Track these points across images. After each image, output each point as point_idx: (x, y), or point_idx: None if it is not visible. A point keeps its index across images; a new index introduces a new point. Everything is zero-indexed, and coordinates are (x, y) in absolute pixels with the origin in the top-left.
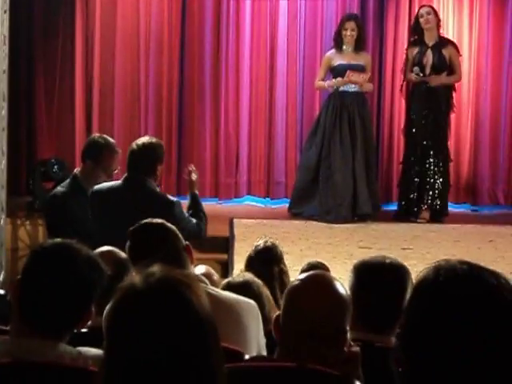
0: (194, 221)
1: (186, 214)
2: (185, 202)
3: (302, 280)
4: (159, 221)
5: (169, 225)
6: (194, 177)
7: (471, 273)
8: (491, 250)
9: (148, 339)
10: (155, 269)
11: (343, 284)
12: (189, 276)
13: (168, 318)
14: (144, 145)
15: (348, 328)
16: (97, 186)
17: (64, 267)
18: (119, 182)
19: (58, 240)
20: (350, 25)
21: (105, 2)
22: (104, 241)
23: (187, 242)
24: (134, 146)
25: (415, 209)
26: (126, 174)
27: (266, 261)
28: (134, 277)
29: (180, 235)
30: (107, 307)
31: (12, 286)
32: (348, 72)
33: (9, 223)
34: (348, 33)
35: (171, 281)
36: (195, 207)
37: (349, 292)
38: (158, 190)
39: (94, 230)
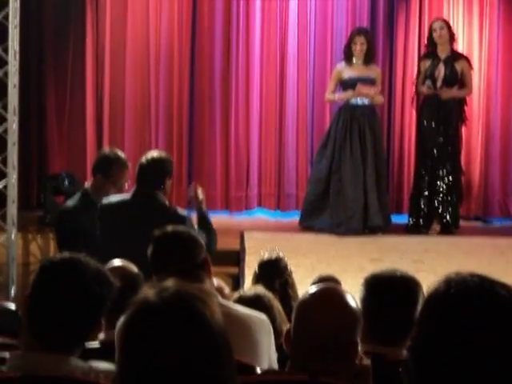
0: (204, 236)
1: (197, 230)
2: (194, 215)
3: (312, 293)
4: (186, 231)
5: (195, 235)
6: (200, 196)
7: (482, 285)
8: (502, 263)
9: (161, 354)
10: (169, 283)
11: (354, 297)
12: (203, 290)
13: (181, 332)
14: (153, 159)
15: (359, 341)
16: (106, 200)
17: (73, 281)
18: (128, 195)
19: (67, 254)
20: (360, 39)
21: (114, 16)
22: (114, 254)
23: (205, 254)
24: (143, 159)
25: (426, 221)
26: (134, 188)
27: (270, 273)
28: (148, 291)
29: (204, 247)
30: (120, 321)
31: (22, 301)
32: (358, 85)
33: (20, 238)
34: (358, 47)
35: (185, 295)
36: (204, 224)
37: (359, 305)
38: (167, 203)
39: (101, 243)
